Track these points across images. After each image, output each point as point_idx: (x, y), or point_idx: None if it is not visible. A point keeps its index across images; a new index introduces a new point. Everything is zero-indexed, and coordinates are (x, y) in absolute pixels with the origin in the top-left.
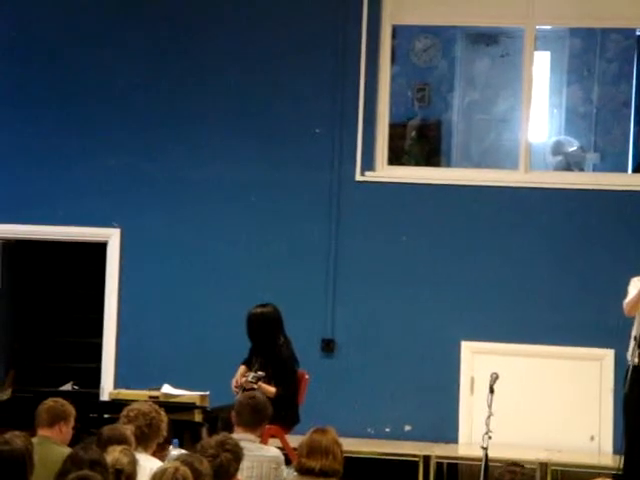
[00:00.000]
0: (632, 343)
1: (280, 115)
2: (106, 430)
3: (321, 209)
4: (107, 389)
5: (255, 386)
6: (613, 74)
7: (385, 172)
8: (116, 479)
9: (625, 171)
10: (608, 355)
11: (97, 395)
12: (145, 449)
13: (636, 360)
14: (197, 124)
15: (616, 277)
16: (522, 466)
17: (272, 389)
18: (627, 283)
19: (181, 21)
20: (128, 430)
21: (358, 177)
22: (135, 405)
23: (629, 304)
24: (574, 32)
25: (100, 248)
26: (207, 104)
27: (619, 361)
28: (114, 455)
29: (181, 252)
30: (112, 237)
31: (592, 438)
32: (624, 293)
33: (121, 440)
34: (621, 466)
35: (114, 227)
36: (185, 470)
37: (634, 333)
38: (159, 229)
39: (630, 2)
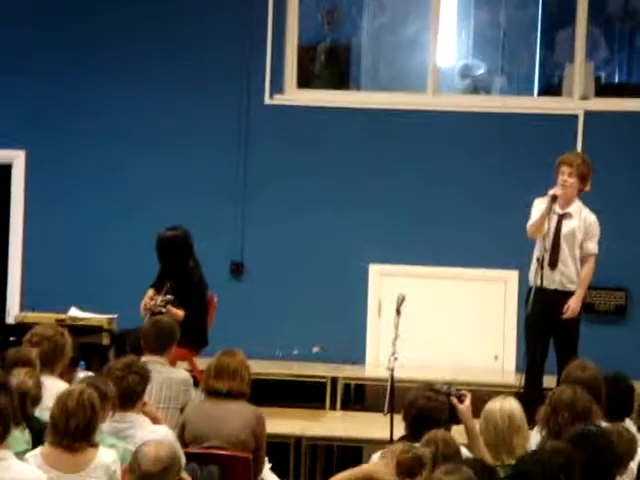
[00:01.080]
0: (535, 264)
1: (188, 38)
2: (10, 353)
3: (230, 132)
4: (13, 312)
5: (163, 310)
6: None
7: (294, 95)
8: (21, 401)
9: (531, 94)
10: (512, 276)
11: (3, 318)
12: (51, 372)
13: (538, 281)
14: (105, 47)
15: (521, 199)
16: (438, 391)
17: (180, 312)
18: (532, 205)
19: None
20: (33, 353)
21: (267, 100)
22: (39, 328)
23: (532, 226)
24: None
25: (4, 170)
26: (115, 26)
27: (523, 282)
28: (19, 378)
29: (89, 176)
30: (17, 159)
31: (496, 358)
32: (529, 215)
33: (26, 362)
34: (522, 384)
35: (19, 149)
36: (90, 392)
37: (536, 255)
38: (66, 152)
39: None
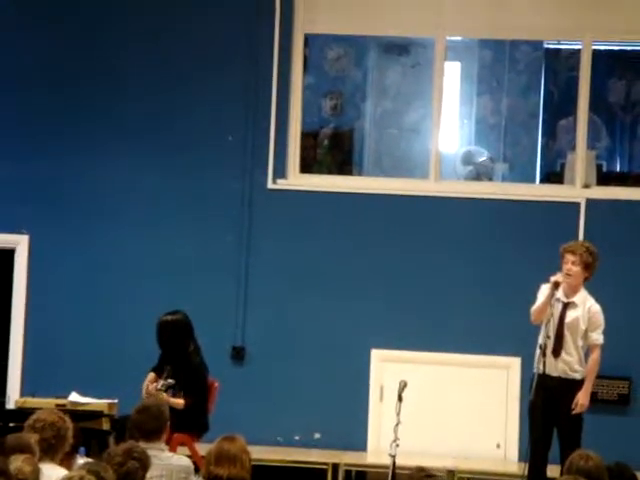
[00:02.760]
0: (538, 351)
1: (193, 122)
2: (10, 439)
3: (233, 216)
4: (13, 397)
5: (164, 394)
6: (522, 85)
7: (297, 180)
8: None
9: (533, 181)
10: (515, 363)
11: (3, 403)
12: (51, 458)
13: (540, 367)
14: (109, 132)
15: (524, 286)
16: (434, 475)
17: (180, 401)
18: (536, 292)
19: (91, 23)
20: (32, 439)
21: (270, 185)
22: (41, 414)
23: (535, 311)
24: (484, 43)
25: (7, 255)
26: (119, 110)
27: (526, 369)
28: (16, 464)
29: (90, 260)
30: (20, 244)
31: (498, 446)
32: (533, 300)
33: (24, 449)
34: (526, 473)
35: (22, 234)
36: (90, 478)
37: (539, 342)
38: (68, 237)
39: (538, 15)
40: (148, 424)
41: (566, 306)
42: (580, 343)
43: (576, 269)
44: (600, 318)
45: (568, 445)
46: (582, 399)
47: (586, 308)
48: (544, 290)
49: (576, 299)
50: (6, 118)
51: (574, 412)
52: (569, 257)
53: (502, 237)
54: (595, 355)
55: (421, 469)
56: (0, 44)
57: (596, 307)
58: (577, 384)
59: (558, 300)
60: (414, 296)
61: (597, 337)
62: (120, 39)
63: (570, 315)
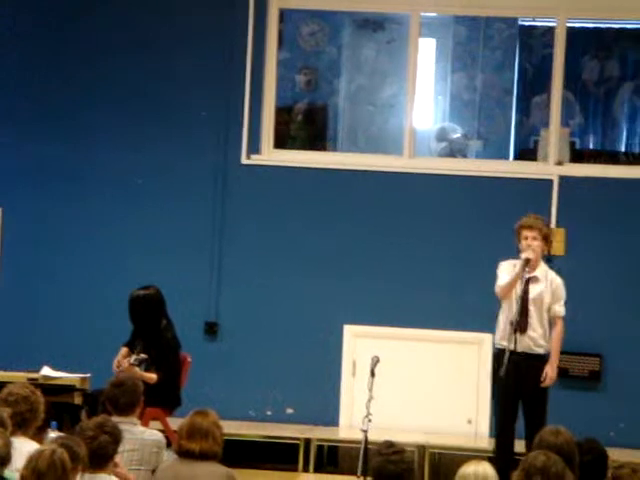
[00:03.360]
0: (504, 328)
1: (166, 98)
2: None
3: (207, 192)
4: None
5: (137, 369)
6: (496, 62)
7: (271, 155)
8: None
9: (507, 158)
10: (486, 339)
11: None
12: (24, 432)
13: (512, 345)
14: (82, 106)
15: (496, 262)
16: (402, 450)
17: (153, 376)
18: (497, 268)
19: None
20: (4, 412)
21: (244, 160)
22: (13, 388)
23: (504, 288)
24: (459, 20)
25: None
26: (93, 86)
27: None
28: None
29: (64, 233)
30: None
31: (469, 421)
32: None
33: None
34: (494, 448)
35: None
36: (62, 452)
37: (510, 318)
38: (41, 209)
39: None
40: (122, 398)
41: (528, 281)
42: (545, 317)
43: (537, 243)
44: (562, 290)
45: (533, 420)
46: (550, 372)
47: (548, 281)
48: (506, 267)
49: (538, 273)
50: None
51: (543, 384)
52: (527, 233)
53: (475, 213)
54: (559, 327)
55: (390, 444)
56: None
57: (558, 280)
58: (541, 359)
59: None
60: (387, 272)
61: (559, 309)
62: (99, 11)
63: (534, 289)
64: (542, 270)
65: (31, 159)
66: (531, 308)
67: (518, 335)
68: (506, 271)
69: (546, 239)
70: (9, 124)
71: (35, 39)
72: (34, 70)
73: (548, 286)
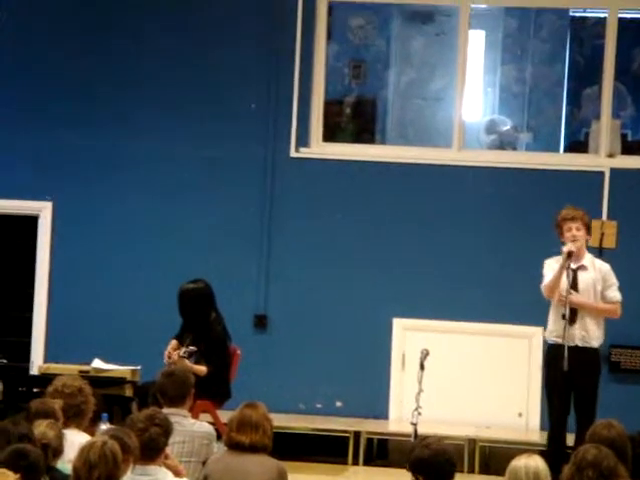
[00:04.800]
0: (557, 321)
1: (216, 90)
2: (34, 404)
3: (256, 185)
4: (37, 363)
5: (186, 361)
6: (546, 54)
7: (320, 148)
8: (43, 453)
9: (557, 150)
10: (537, 332)
11: (27, 369)
12: (74, 424)
13: (565, 339)
14: (132, 99)
15: (546, 255)
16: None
17: (203, 368)
18: (542, 267)
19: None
20: (56, 404)
21: (293, 153)
22: (65, 380)
23: (548, 287)
24: (509, 11)
25: (31, 221)
26: (142, 79)
27: None
28: (40, 429)
29: (114, 227)
30: (44, 210)
31: (520, 415)
32: (539, 279)
33: (48, 414)
34: (546, 442)
35: (46, 200)
36: (113, 444)
37: (561, 312)
38: (92, 203)
39: None
40: (173, 389)
41: (576, 271)
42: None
43: (580, 233)
44: (612, 275)
45: (584, 414)
46: (578, 297)
47: (597, 269)
48: (550, 264)
49: (585, 262)
50: (24, 86)
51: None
52: (571, 224)
53: (526, 207)
54: (613, 307)
55: (428, 437)
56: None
57: (606, 266)
58: (594, 352)
59: (567, 268)
60: (436, 265)
61: (614, 294)
62: (141, 7)
63: (583, 279)
64: (589, 259)
65: (80, 153)
66: (582, 299)
67: (570, 328)
68: (550, 268)
69: (588, 228)
70: (62, 120)
71: (72, 30)
72: (80, 64)
73: (597, 274)
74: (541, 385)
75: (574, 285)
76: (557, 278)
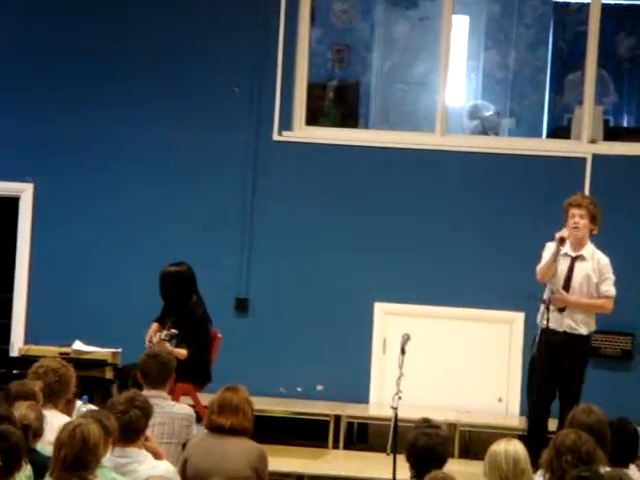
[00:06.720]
0: (542, 306)
1: (198, 73)
2: (14, 386)
3: (238, 168)
4: (17, 345)
5: (167, 344)
6: (530, 40)
7: (303, 132)
8: (23, 434)
9: (539, 136)
10: (518, 318)
11: (6, 351)
12: (54, 405)
13: (544, 323)
14: (115, 83)
15: (528, 241)
16: (437, 426)
17: (183, 351)
18: (540, 247)
19: None
20: (36, 386)
21: (276, 137)
22: (44, 361)
23: (542, 270)
24: None
25: (13, 203)
26: (125, 62)
27: (529, 324)
28: (21, 411)
29: (95, 209)
30: (25, 192)
31: (500, 400)
32: (538, 258)
33: (28, 396)
34: (526, 427)
35: (27, 182)
36: (88, 426)
37: (544, 296)
38: (73, 185)
39: None
40: (156, 370)
41: (574, 260)
42: (594, 296)
43: (584, 222)
44: (609, 270)
45: (568, 400)
46: (564, 296)
47: (595, 260)
48: (551, 247)
49: (584, 252)
50: (8, 65)
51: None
52: (575, 211)
53: (508, 192)
54: (604, 302)
55: (426, 420)
56: None
57: (604, 259)
58: (582, 340)
59: (565, 255)
60: (418, 249)
61: (607, 288)
62: None
63: (580, 268)
64: (589, 249)
65: (63, 135)
66: (576, 287)
67: (556, 314)
68: (549, 251)
69: (594, 219)
70: (43, 98)
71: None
72: (65, 45)
73: (595, 265)
74: (522, 369)
75: (570, 272)
76: (549, 264)
